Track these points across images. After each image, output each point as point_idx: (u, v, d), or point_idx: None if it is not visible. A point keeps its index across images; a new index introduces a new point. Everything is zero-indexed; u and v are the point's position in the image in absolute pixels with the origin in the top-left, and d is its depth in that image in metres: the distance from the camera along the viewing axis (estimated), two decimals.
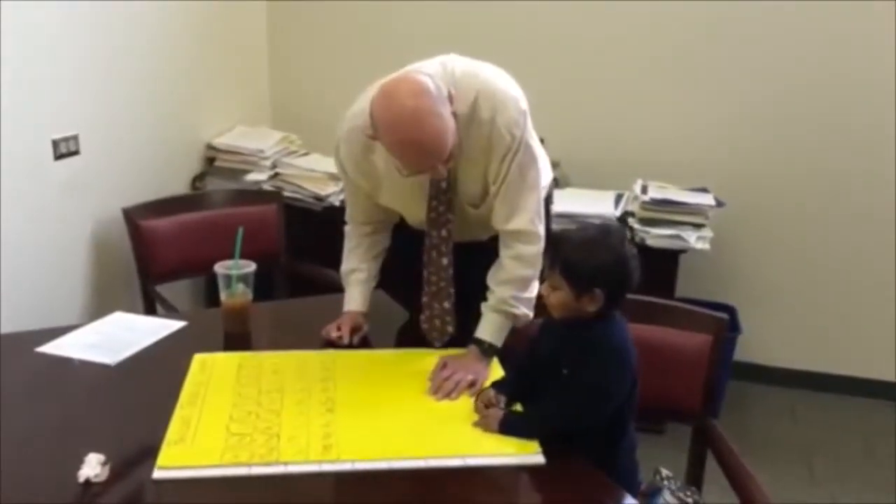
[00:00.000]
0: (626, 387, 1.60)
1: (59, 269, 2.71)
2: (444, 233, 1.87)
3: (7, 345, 1.93)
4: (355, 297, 2.01)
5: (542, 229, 1.85)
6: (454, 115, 1.68)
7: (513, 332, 1.87)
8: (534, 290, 1.84)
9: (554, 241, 1.65)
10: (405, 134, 1.62)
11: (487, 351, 1.84)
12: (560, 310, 1.62)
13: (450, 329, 1.92)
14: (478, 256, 1.89)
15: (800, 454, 3.09)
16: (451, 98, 1.67)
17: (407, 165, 1.69)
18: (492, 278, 1.86)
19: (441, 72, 1.75)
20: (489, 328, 1.85)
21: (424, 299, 1.93)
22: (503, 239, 1.85)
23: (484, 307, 1.86)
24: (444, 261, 1.89)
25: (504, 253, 1.85)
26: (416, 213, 1.91)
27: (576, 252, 1.59)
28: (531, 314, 1.85)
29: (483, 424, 1.61)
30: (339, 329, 1.96)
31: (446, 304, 1.91)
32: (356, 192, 1.95)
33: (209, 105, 3.43)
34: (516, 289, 1.83)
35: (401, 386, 1.78)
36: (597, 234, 1.63)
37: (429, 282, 1.91)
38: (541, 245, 1.83)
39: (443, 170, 1.70)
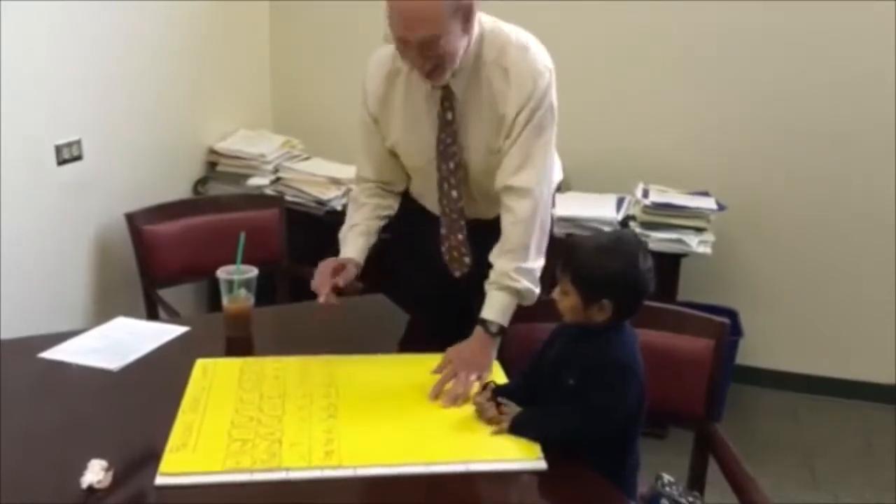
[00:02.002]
0: (634, 402, 1.59)
1: (61, 273, 2.72)
2: (451, 165, 1.90)
3: (10, 350, 1.93)
4: (349, 248, 2.00)
5: (544, 194, 1.84)
6: (482, 60, 1.79)
7: (517, 340, 1.86)
8: (536, 262, 1.83)
9: (567, 247, 1.64)
10: None
11: (493, 330, 1.81)
12: (570, 315, 1.62)
13: (467, 261, 1.98)
14: (484, 239, 1.89)
15: (802, 457, 3.09)
16: (469, 5, 1.72)
17: (393, 25, 1.73)
18: (494, 252, 1.85)
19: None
20: (494, 307, 1.82)
21: (443, 231, 1.99)
22: (504, 202, 1.84)
23: (487, 285, 1.84)
24: (454, 193, 1.92)
25: (505, 220, 1.84)
26: (421, 153, 1.92)
27: (587, 260, 1.58)
28: (536, 289, 1.83)
29: (496, 421, 1.62)
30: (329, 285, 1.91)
31: (460, 236, 1.96)
32: (371, 137, 1.98)
33: (211, 109, 3.44)
34: (517, 258, 1.81)
35: (403, 391, 1.78)
36: (609, 244, 1.62)
37: (444, 213, 1.97)
38: (534, 203, 1.82)
39: (424, 62, 1.72)
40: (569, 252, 1.62)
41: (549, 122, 1.83)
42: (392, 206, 2.05)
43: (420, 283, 2.10)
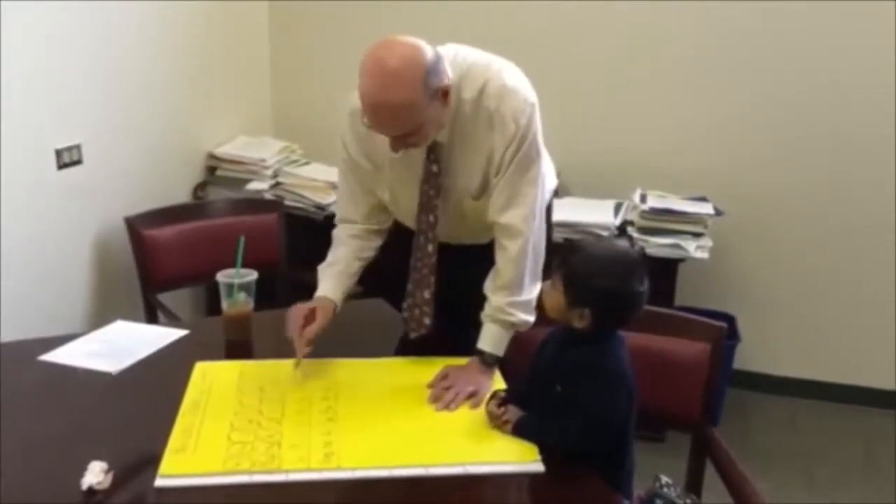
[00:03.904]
0: (623, 409, 1.59)
1: (61, 277, 2.73)
2: (431, 218, 1.87)
3: (9, 353, 1.94)
4: (325, 286, 1.93)
5: (533, 229, 1.82)
6: (462, 100, 1.73)
7: (517, 342, 1.86)
8: (531, 292, 1.83)
9: (569, 247, 1.65)
10: (370, 87, 1.63)
11: (489, 361, 1.83)
12: (552, 312, 1.63)
13: (427, 321, 1.91)
14: (479, 262, 1.88)
15: (800, 462, 3.09)
16: (444, 89, 1.68)
17: (367, 117, 1.68)
18: (488, 286, 1.85)
19: (451, 58, 1.77)
20: (488, 338, 1.84)
21: (409, 287, 1.93)
22: (497, 238, 1.84)
23: (482, 317, 1.86)
24: (430, 247, 1.89)
25: (498, 255, 1.84)
26: (410, 203, 1.89)
27: (580, 265, 1.58)
28: (531, 318, 1.84)
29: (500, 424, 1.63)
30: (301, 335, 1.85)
31: (426, 294, 1.90)
32: (354, 180, 1.94)
33: (211, 114, 3.45)
34: (511, 294, 1.81)
35: (401, 394, 1.79)
36: (607, 256, 1.62)
37: (414, 268, 1.92)
38: (523, 242, 1.80)
39: (397, 146, 1.70)
40: (568, 253, 1.62)
41: (534, 157, 1.81)
42: (374, 247, 2.01)
43: None
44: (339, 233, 2.01)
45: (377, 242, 2.02)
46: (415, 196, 1.88)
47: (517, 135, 1.76)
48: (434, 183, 1.85)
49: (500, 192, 1.81)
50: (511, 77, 1.80)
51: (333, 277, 1.95)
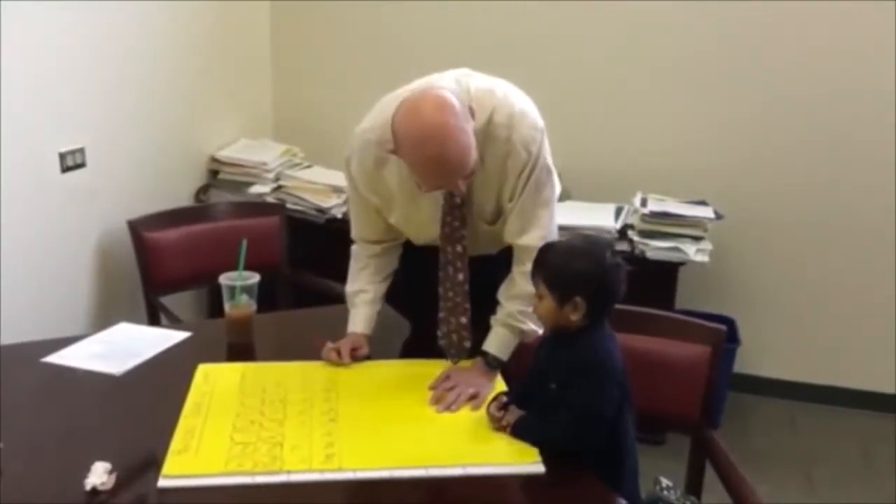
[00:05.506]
0: (614, 399, 1.60)
1: (64, 280, 2.74)
2: (458, 248, 1.86)
3: (13, 355, 1.95)
4: (359, 320, 1.97)
5: None
6: (474, 129, 1.70)
7: (519, 345, 1.87)
8: None
9: (539, 252, 1.68)
10: (430, 149, 1.61)
11: (492, 364, 1.85)
12: (547, 319, 1.65)
13: (466, 345, 1.91)
14: (487, 267, 1.90)
15: (799, 465, 3.10)
16: (472, 113, 1.68)
17: (427, 181, 1.69)
18: (502, 293, 1.87)
19: (456, 88, 1.74)
20: (496, 341, 1.86)
21: (441, 315, 1.92)
22: (515, 254, 1.86)
23: (493, 320, 1.87)
24: (460, 276, 1.88)
25: (515, 269, 1.86)
26: (426, 231, 1.90)
27: (557, 259, 1.62)
28: (539, 330, 1.85)
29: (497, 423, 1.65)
30: (338, 354, 1.93)
31: (463, 320, 1.90)
32: (365, 208, 1.94)
33: (213, 118, 3.46)
34: (524, 304, 1.82)
35: (403, 396, 1.80)
36: (578, 243, 1.67)
37: (445, 297, 1.91)
38: None
39: (462, 185, 1.70)
40: (541, 256, 1.66)
41: (545, 179, 1.82)
42: (395, 261, 2.02)
43: (421, 289, 2.11)
44: (359, 252, 2.01)
45: (398, 253, 2.03)
46: (429, 219, 1.87)
47: (529, 162, 1.77)
48: (458, 214, 1.84)
49: (516, 216, 1.82)
50: (518, 101, 1.79)
51: (364, 307, 1.97)
